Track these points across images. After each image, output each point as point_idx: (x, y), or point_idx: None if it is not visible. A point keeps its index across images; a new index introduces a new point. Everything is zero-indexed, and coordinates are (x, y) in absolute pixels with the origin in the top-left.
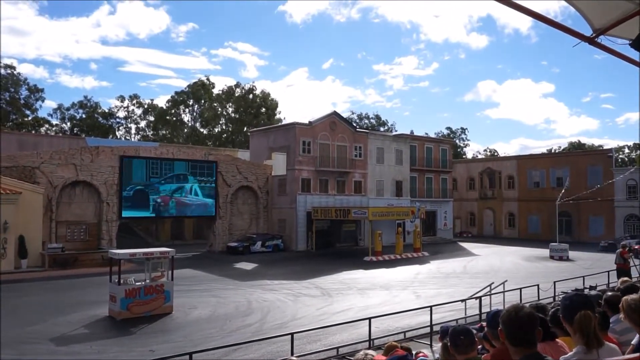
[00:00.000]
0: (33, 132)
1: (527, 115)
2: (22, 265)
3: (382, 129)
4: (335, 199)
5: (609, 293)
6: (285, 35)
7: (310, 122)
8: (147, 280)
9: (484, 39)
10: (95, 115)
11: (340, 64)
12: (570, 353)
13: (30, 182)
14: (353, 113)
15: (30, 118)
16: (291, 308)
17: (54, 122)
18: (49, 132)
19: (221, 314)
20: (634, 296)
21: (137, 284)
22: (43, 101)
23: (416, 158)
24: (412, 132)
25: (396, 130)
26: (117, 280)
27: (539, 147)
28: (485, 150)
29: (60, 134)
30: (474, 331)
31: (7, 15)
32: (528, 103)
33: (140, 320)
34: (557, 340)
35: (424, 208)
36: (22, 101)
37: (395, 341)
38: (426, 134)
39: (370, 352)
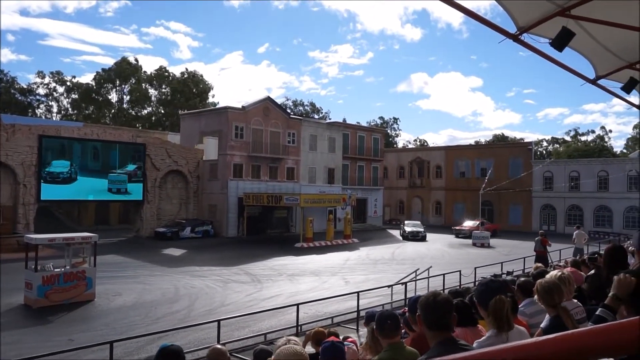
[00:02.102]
0: None
1: (456, 108)
2: None
3: (316, 116)
4: (268, 185)
5: (522, 279)
6: (221, 16)
7: (243, 106)
8: (67, 267)
9: (418, 31)
10: (12, 91)
11: (276, 49)
12: (483, 337)
13: None
14: (288, 99)
15: None
16: (220, 294)
17: None
18: None
19: (147, 301)
20: (546, 278)
21: (56, 270)
22: None
23: (349, 146)
24: (345, 120)
25: (330, 118)
26: (33, 267)
27: (466, 138)
28: (415, 140)
29: None
30: (399, 316)
31: None
32: (457, 96)
33: (59, 308)
34: (478, 325)
35: (355, 195)
36: None
37: (321, 327)
38: (359, 122)
39: (293, 337)
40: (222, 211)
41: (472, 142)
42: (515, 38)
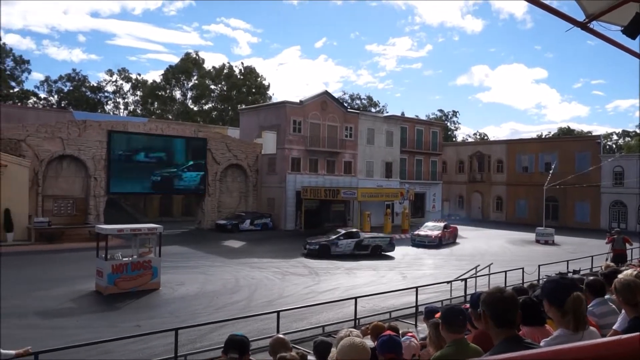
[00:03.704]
0: (19, 104)
1: (519, 100)
2: (7, 239)
3: (373, 110)
4: (325, 179)
5: (591, 277)
6: (280, 12)
7: (301, 101)
8: (135, 256)
9: (479, 22)
10: (83, 88)
11: (333, 43)
12: (552, 335)
13: (16, 155)
14: (345, 93)
15: (16, 90)
16: (278, 286)
17: (41, 94)
18: (35, 105)
19: (208, 291)
20: (627, 273)
21: (124, 259)
22: (29, 73)
23: (407, 140)
24: (403, 113)
25: (387, 112)
26: (104, 256)
27: (529, 132)
28: (475, 134)
29: (47, 107)
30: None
31: None
32: (520, 88)
33: (127, 295)
34: (546, 325)
35: (413, 190)
36: (7, 72)
37: (380, 321)
38: (417, 116)
39: (354, 330)
40: (280, 204)
41: (535, 135)
42: (583, 26)
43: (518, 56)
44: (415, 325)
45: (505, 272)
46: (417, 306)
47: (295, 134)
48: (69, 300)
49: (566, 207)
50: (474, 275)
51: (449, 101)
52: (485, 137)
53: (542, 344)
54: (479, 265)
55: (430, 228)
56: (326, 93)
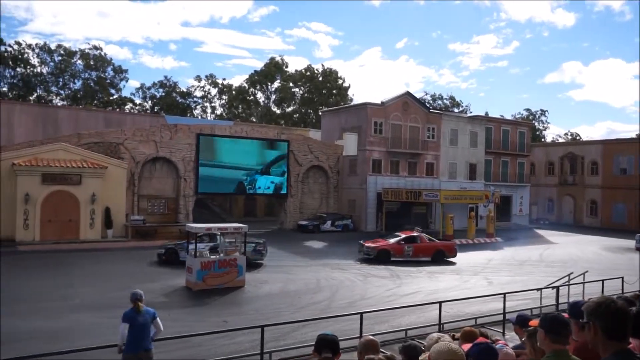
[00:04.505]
0: (117, 110)
1: (615, 98)
2: (107, 235)
3: (456, 110)
4: (406, 181)
5: None
6: (361, 14)
7: (382, 102)
8: (222, 254)
9: (570, 16)
10: (174, 94)
11: (414, 43)
12: None
13: (115, 158)
14: (426, 94)
15: (115, 97)
16: (360, 288)
17: (137, 100)
18: (132, 110)
19: (291, 290)
20: None
21: (212, 257)
22: (127, 81)
23: (492, 140)
24: (487, 113)
25: (471, 112)
26: (193, 253)
27: (627, 131)
28: (566, 134)
29: (142, 112)
30: None
31: None
32: (617, 84)
33: (214, 292)
34: None
35: (498, 192)
36: (108, 81)
37: (469, 327)
38: (502, 116)
39: (445, 336)
40: (361, 206)
41: (634, 135)
42: None
43: (615, 51)
44: (503, 333)
45: (602, 280)
46: (504, 313)
47: (377, 135)
48: (162, 295)
49: None
50: (567, 283)
51: (537, 100)
52: (578, 137)
53: None
54: (572, 273)
55: (389, 238)
56: (408, 94)
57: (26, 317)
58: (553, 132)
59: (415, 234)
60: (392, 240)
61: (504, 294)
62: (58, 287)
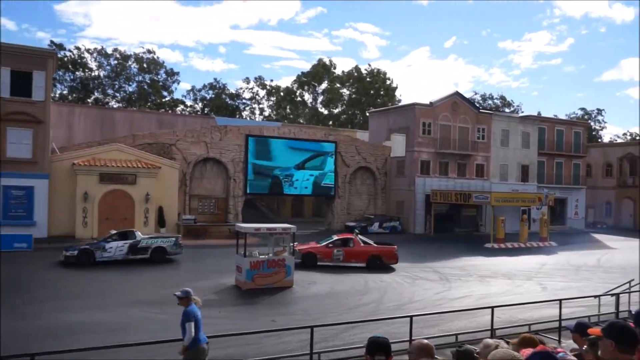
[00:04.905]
0: (170, 111)
1: None
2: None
3: (507, 110)
4: (456, 183)
5: None
6: (408, 14)
7: (431, 102)
8: (270, 254)
9: (630, 11)
10: (223, 96)
11: (463, 42)
12: None
13: (168, 158)
14: (476, 93)
15: (167, 99)
16: (408, 291)
17: (188, 102)
18: (183, 111)
19: (338, 291)
20: None
21: (261, 257)
22: (178, 83)
23: (545, 141)
24: (539, 113)
25: (522, 112)
26: (242, 253)
27: None
28: (625, 134)
29: (193, 114)
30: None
31: (149, 2)
32: None
33: (263, 291)
34: None
35: (552, 195)
36: (160, 83)
37: (526, 333)
38: (556, 115)
39: (502, 342)
40: (409, 208)
41: None
42: None
43: None
44: (559, 341)
45: None
46: (560, 320)
47: (425, 136)
48: (213, 293)
49: None
50: (627, 291)
51: (593, 99)
52: (637, 137)
53: None
54: (633, 280)
55: (321, 241)
56: (457, 94)
57: (85, 310)
58: (610, 132)
59: (350, 236)
60: (323, 243)
61: (560, 300)
62: (114, 283)
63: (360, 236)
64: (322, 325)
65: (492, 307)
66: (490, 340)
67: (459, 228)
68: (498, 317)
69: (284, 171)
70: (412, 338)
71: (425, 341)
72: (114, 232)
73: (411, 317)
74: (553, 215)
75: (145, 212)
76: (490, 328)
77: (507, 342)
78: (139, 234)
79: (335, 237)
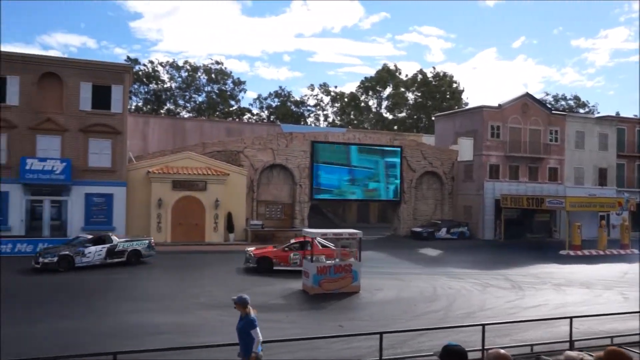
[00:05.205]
0: (237, 120)
1: None
2: (230, 239)
3: (581, 111)
4: (527, 187)
5: None
6: (474, 15)
7: (499, 105)
8: (337, 260)
9: None
10: (288, 103)
11: (533, 41)
12: None
13: (236, 165)
14: (547, 94)
15: (235, 107)
16: (478, 298)
17: (254, 110)
18: (250, 120)
19: (405, 298)
20: None
21: (327, 262)
22: (245, 92)
23: (625, 143)
24: (617, 113)
25: (598, 112)
26: (310, 258)
27: None
28: None
29: (260, 122)
30: None
31: (216, 15)
32: None
33: (330, 296)
34: None
35: (634, 200)
36: (228, 93)
37: (613, 347)
38: (636, 115)
39: (585, 355)
40: (478, 213)
41: None
42: None
43: None
44: None
45: None
46: None
47: (494, 139)
48: (280, 297)
49: None
50: None
51: None
52: None
53: None
54: None
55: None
56: (527, 95)
57: (160, 313)
58: None
59: (308, 239)
60: (280, 247)
61: None
62: (188, 286)
63: (319, 239)
64: (391, 331)
65: (571, 317)
66: (572, 353)
67: (530, 234)
68: (576, 328)
69: (350, 176)
70: (485, 347)
71: (503, 351)
72: (89, 236)
73: (483, 325)
74: (635, 221)
75: (215, 217)
76: (569, 339)
77: (591, 355)
78: (115, 238)
79: (293, 241)
